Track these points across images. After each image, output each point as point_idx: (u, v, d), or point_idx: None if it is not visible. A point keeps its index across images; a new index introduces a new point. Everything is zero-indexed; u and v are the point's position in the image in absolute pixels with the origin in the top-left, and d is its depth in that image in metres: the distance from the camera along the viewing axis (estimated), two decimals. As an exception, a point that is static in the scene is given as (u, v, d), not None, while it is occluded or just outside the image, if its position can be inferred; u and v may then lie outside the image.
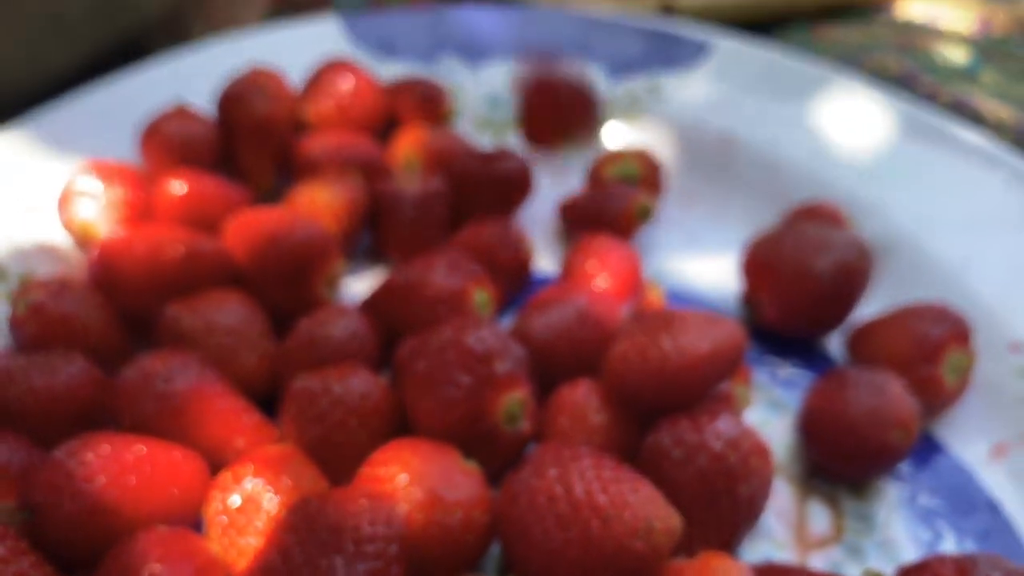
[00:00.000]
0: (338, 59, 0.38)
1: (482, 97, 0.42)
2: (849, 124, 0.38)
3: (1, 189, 0.32)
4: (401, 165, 0.37)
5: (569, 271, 0.30)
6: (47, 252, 0.31)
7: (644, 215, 0.35)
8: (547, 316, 0.27)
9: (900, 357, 0.28)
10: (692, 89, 0.41)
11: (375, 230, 0.34)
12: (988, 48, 0.55)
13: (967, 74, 0.51)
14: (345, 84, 0.37)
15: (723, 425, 0.24)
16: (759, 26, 0.55)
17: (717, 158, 0.39)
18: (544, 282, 0.34)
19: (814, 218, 0.34)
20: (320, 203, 0.32)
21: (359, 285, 0.33)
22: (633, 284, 0.30)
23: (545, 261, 0.35)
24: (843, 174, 0.37)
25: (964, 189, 0.35)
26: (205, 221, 0.30)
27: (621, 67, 0.42)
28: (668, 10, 0.50)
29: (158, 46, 0.49)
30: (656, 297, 0.31)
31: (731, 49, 0.42)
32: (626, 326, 0.25)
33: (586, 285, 0.29)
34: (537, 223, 0.37)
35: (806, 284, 0.30)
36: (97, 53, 0.44)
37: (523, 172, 0.36)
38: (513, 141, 0.41)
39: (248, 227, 0.29)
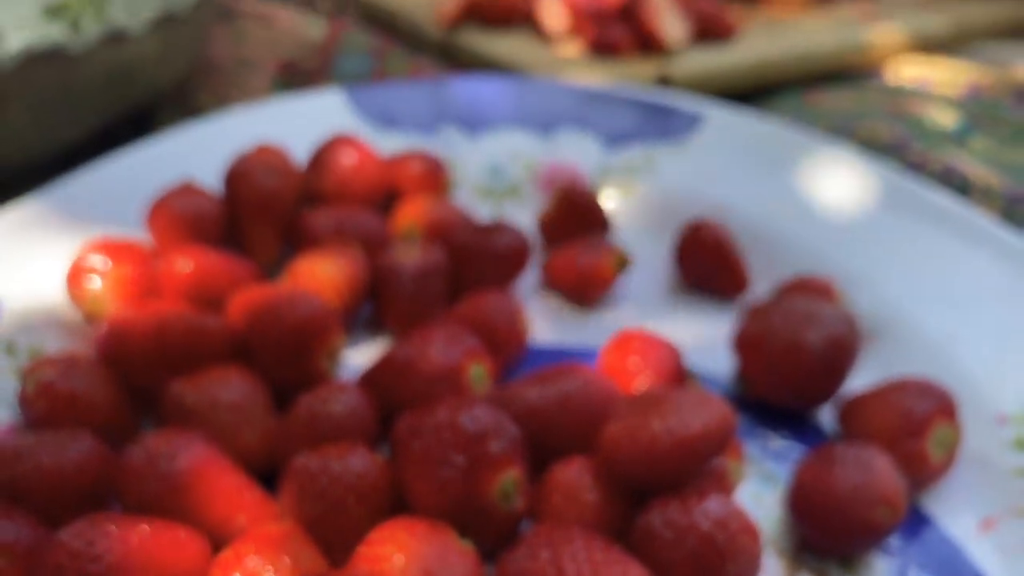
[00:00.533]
0: (341, 134, 0.39)
1: (481, 167, 0.43)
2: (841, 196, 0.39)
3: (11, 263, 0.33)
4: (401, 237, 0.38)
5: (609, 368, 0.31)
6: (56, 326, 0.32)
7: (621, 266, 0.36)
8: (543, 391, 0.28)
9: (886, 432, 0.29)
10: (686, 160, 0.43)
11: (375, 301, 0.35)
12: (977, 112, 0.56)
13: (956, 139, 0.52)
14: (347, 159, 0.38)
15: (712, 505, 0.24)
16: (752, 94, 0.56)
17: (710, 227, 0.40)
18: (540, 353, 0.35)
19: (805, 292, 0.34)
20: (321, 277, 0.33)
21: (360, 357, 0.34)
22: (676, 380, 0.31)
23: (541, 331, 0.36)
24: (834, 246, 0.38)
25: (952, 262, 0.36)
26: (211, 297, 0.31)
27: (617, 138, 0.44)
28: (664, 80, 0.52)
29: (166, 115, 0.51)
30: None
31: (725, 120, 0.44)
32: (618, 406, 0.26)
33: (628, 383, 0.30)
34: (534, 292, 0.38)
35: (797, 358, 0.30)
36: (107, 123, 0.46)
37: (521, 245, 0.37)
38: (511, 209, 0.42)
39: (251, 303, 0.30)
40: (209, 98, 0.52)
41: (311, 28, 0.59)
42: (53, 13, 0.57)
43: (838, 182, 0.40)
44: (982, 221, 0.37)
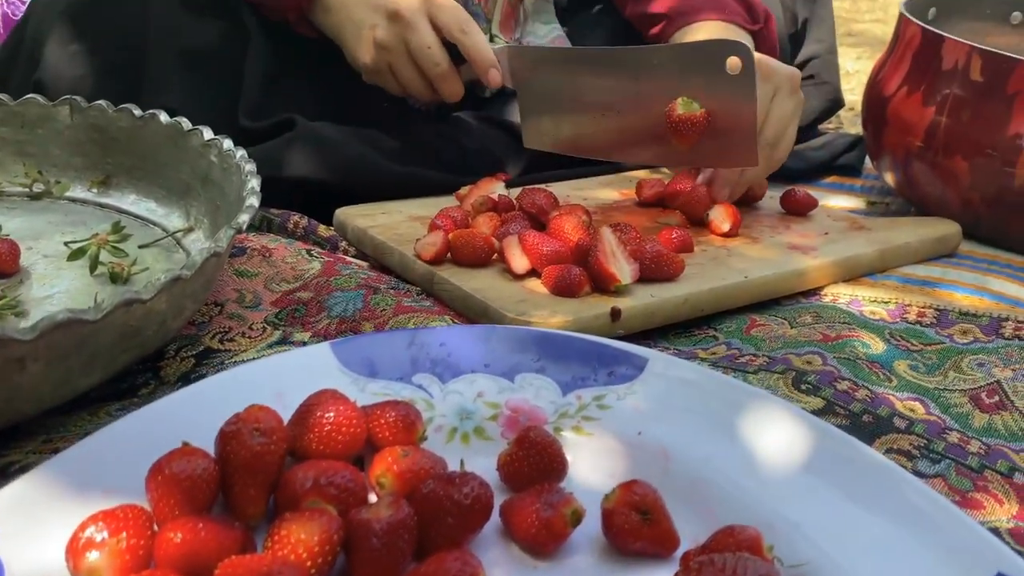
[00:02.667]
0: (325, 391, 0.44)
1: (452, 408, 0.48)
2: (774, 445, 0.44)
3: (17, 530, 0.37)
4: (375, 488, 0.42)
5: None
6: (57, 595, 0.35)
7: (576, 521, 0.40)
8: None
9: None
10: (633, 402, 0.48)
11: (347, 555, 0.39)
12: (903, 335, 0.62)
13: (884, 365, 0.58)
14: (327, 417, 0.43)
15: None
16: (698, 320, 0.62)
17: (654, 471, 0.44)
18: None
19: (735, 544, 0.38)
20: (297, 540, 0.36)
21: (333, 613, 0.37)
22: None
23: (499, 581, 0.40)
24: (765, 492, 0.42)
25: (872, 510, 0.40)
26: (200, 567, 0.35)
27: (571, 383, 0.49)
28: (616, 315, 0.58)
29: (173, 350, 0.56)
30: None
31: (669, 366, 0.49)
32: None
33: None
34: (494, 536, 0.42)
35: (723, 619, 0.34)
36: (119, 371, 0.51)
37: (484, 497, 0.41)
38: (477, 447, 0.47)
39: (233, 574, 0.34)
40: (213, 335, 0.58)
41: (309, 262, 0.66)
42: (76, 255, 0.64)
43: (772, 432, 0.45)
44: (898, 471, 0.41)
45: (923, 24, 0.80)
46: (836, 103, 0.97)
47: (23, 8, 1.29)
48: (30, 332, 0.43)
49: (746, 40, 0.78)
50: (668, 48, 0.70)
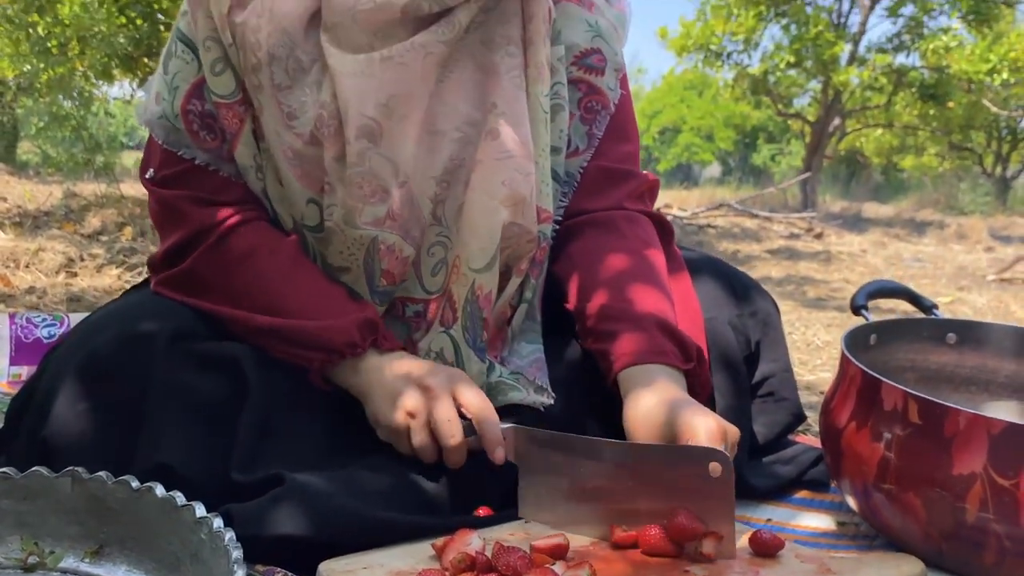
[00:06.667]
0: None
1: None
2: None
3: None
4: None
5: None
6: None
7: None
8: None
9: None
10: None
11: None
12: None
13: None
14: None
15: None
16: None
17: None
18: None
19: None
20: None
21: None
22: None
23: None
24: None
25: None
26: None
27: None
28: None
29: None
30: None
31: None
32: None
33: None
34: None
35: None
36: None
37: None
38: None
39: None
40: None
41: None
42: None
43: None
44: None
45: (862, 366, 0.87)
46: (798, 418, 1.03)
47: (35, 331, 1.40)
48: None
49: (680, 378, 0.87)
50: (659, 448, 0.78)
